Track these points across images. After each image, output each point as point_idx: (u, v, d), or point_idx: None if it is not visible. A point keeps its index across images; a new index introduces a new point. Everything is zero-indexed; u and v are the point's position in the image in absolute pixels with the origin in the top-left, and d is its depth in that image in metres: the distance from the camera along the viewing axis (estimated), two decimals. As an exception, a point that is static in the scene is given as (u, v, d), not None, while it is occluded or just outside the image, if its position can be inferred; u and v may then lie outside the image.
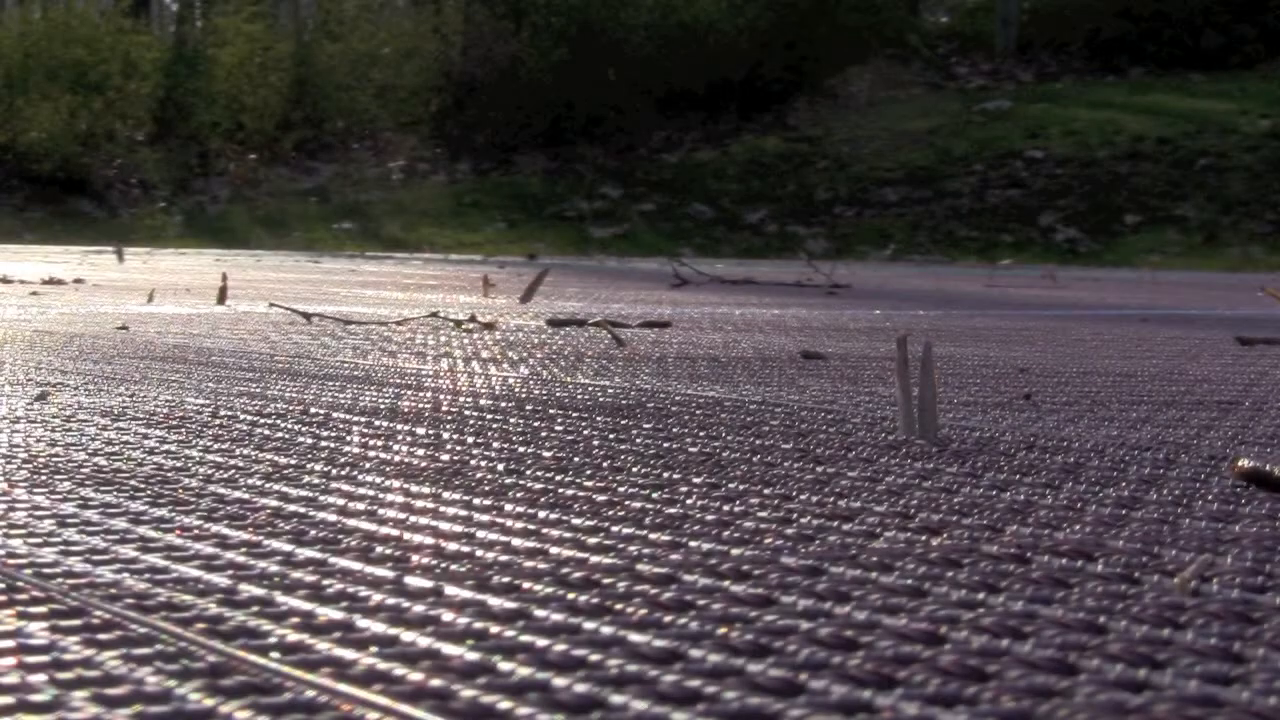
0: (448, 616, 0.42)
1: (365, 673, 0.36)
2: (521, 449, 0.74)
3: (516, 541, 0.52)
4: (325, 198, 8.99)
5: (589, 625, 0.41)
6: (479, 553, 0.50)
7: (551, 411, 0.90)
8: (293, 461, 0.69)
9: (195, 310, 1.93)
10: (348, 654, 0.38)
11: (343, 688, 0.35)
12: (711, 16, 8.83)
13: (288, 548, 0.51)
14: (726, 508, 0.59)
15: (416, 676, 0.36)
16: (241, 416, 0.85)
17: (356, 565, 0.48)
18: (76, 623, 0.41)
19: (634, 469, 0.68)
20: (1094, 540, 0.53)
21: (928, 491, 0.63)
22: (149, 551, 0.50)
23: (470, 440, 0.77)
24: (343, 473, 0.66)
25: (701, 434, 0.80)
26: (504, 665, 0.37)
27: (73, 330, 1.52)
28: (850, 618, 0.42)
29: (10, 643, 0.38)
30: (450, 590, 0.45)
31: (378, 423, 0.84)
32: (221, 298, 2.09)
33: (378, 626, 0.41)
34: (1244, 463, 0.66)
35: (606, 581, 0.46)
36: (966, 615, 0.42)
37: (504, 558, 0.49)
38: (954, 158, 7.95)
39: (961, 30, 10.43)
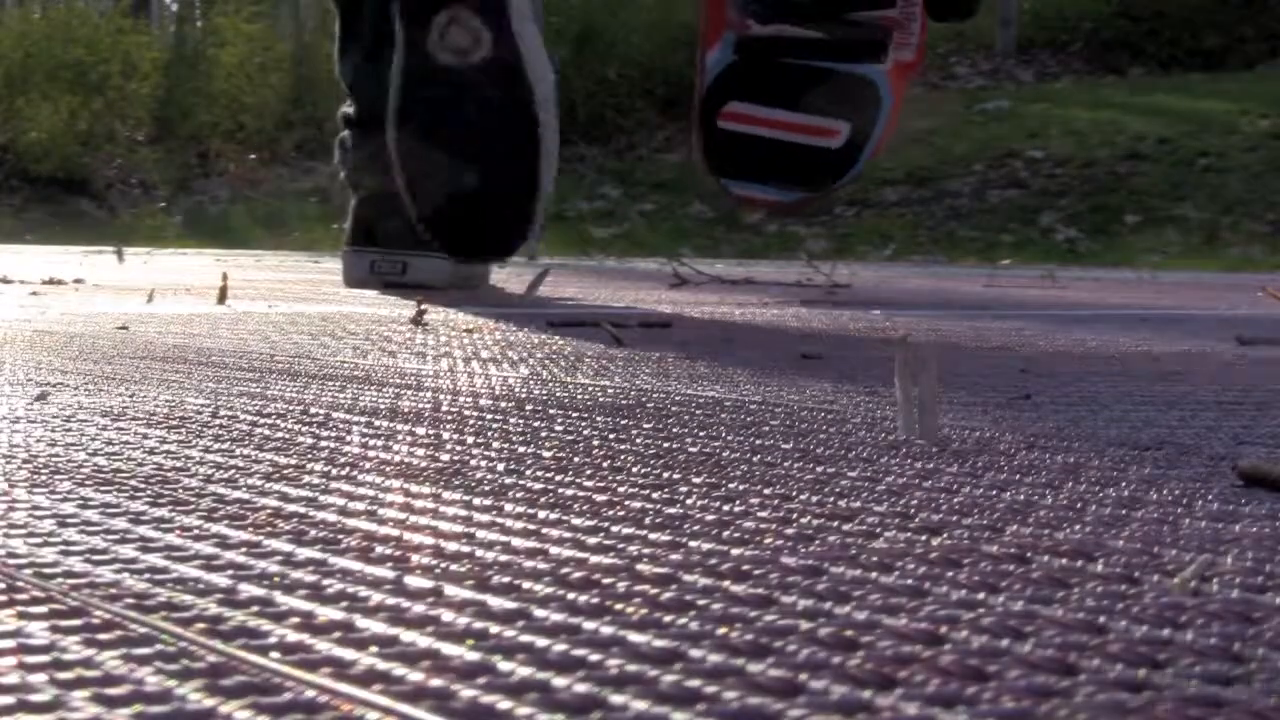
0: (448, 616, 0.42)
1: (365, 673, 0.36)
2: (521, 449, 0.74)
3: (516, 541, 0.52)
4: (325, 198, 8.99)
5: (589, 625, 0.41)
6: (479, 553, 0.50)
7: (551, 411, 0.90)
8: (293, 461, 0.69)
9: (195, 310, 1.93)
10: (348, 654, 0.38)
11: (343, 688, 0.35)
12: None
13: (288, 548, 0.51)
14: (726, 508, 0.59)
15: (416, 676, 0.36)
16: (241, 416, 0.85)
17: (356, 565, 0.48)
18: (76, 623, 0.41)
19: (634, 469, 0.68)
20: (1094, 540, 0.53)
21: (928, 491, 0.63)
22: (149, 551, 0.50)
23: (470, 440, 0.77)
24: (343, 473, 0.66)
25: (701, 434, 0.80)
26: (504, 665, 0.37)
27: (73, 330, 1.52)
28: (850, 618, 0.42)
29: (10, 643, 0.38)
30: (450, 590, 0.45)
31: (378, 423, 0.84)
32: (221, 298, 2.09)
33: (378, 626, 0.41)
34: (1245, 462, 0.66)
35: (606, 581, 0.46)
36: (966, 615, 0.42)
37: (504, 558, 0.49)
38: (954, 158, 7.94)
39: (961, 30, 10.42)
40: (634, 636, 0.40)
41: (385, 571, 0.47)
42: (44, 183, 9.06)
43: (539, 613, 0.42)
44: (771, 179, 2.06)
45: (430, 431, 0.80)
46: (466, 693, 0.35)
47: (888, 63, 2.02)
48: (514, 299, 2.32)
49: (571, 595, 0.44)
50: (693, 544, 0.52)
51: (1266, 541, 0.53)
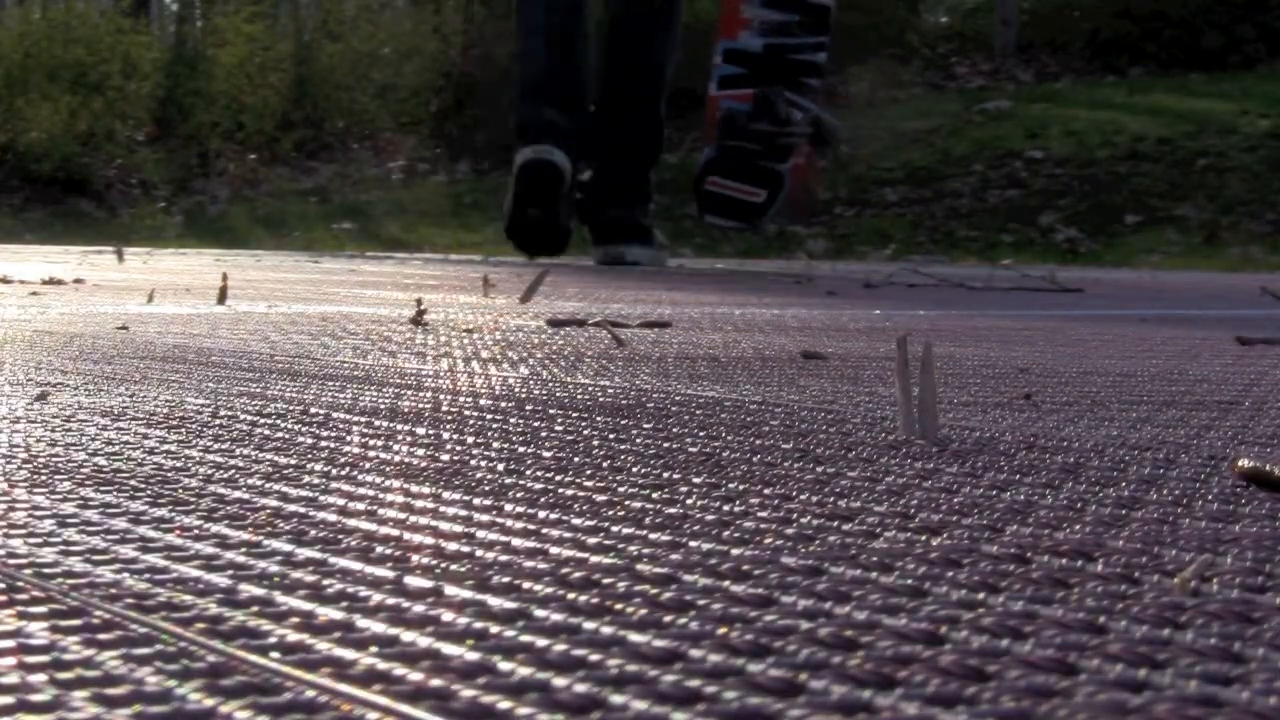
0: (448, 616, 0.42)
1: (365, 673, 0.36)
2: (521, 449, 0.74)
3: (516, 541, 0.52)
4: (325, 198, 8.99)
5: (589, 625, 0.41)
6: (479, 553, 0.50)
7: (551, 411, 0.90)
8: (293, 461, 0.69)
9: (195, 310, 1.93)
10: (348, 654, 0.38)
11: (343, 688, 0.35)
12: (712, 16, 8.82)
13: (288, 548, 0.51)
14: (726, 508, 0.59)
15: (416, 676, 0.36)
16: (241, 416, 0.86)
17: (356, 565, 0.48)
18: (76, 623, 0.41)
19: (634, 469, 0.68)
20: (1094, 540, 0.53)
21: (928, 491, 0.63)
22: (149, 551, 0.50)
23: (470, 440, 0.77)
24: (343, 473, 0.66)
25: (701, 434, 0.80)
26: (504, 665, 0.37)
27: (73, 330, 1.52)
28: (850, 618, 0.42)
29: (10, 643, 0.39)
30: (450, 590, 0.45)
31: (378, 423, 0.84)
32: (221, 298, 2.09)
33: (378, 626, 0.41)
34: (1244, 462, 0.66)
35: (606, 581, 0.46)
36: (966, 615, 0.42)
37: (504, 558, 0.49)
38: (954, 158, 7.94)
39: (961, 30, 10.42)
40: (634, 636, 0.40)
41: (385, 571, 0.47)
42: (44, 183, 9.06)
43: (539, 613, 0.42)
44: (728, 216, 4.48)
45: (430, 431, 0.80)
46: (466, 693, 0.35)
47: (789, 163, 4.41)
48: (514, 300, 2.32)
49: (571, 595, 0.44)
50: (693, 544, 0.52)
51: (1266, 541, 0.53)
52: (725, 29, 4.48)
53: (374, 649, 0.38)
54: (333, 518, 0.56)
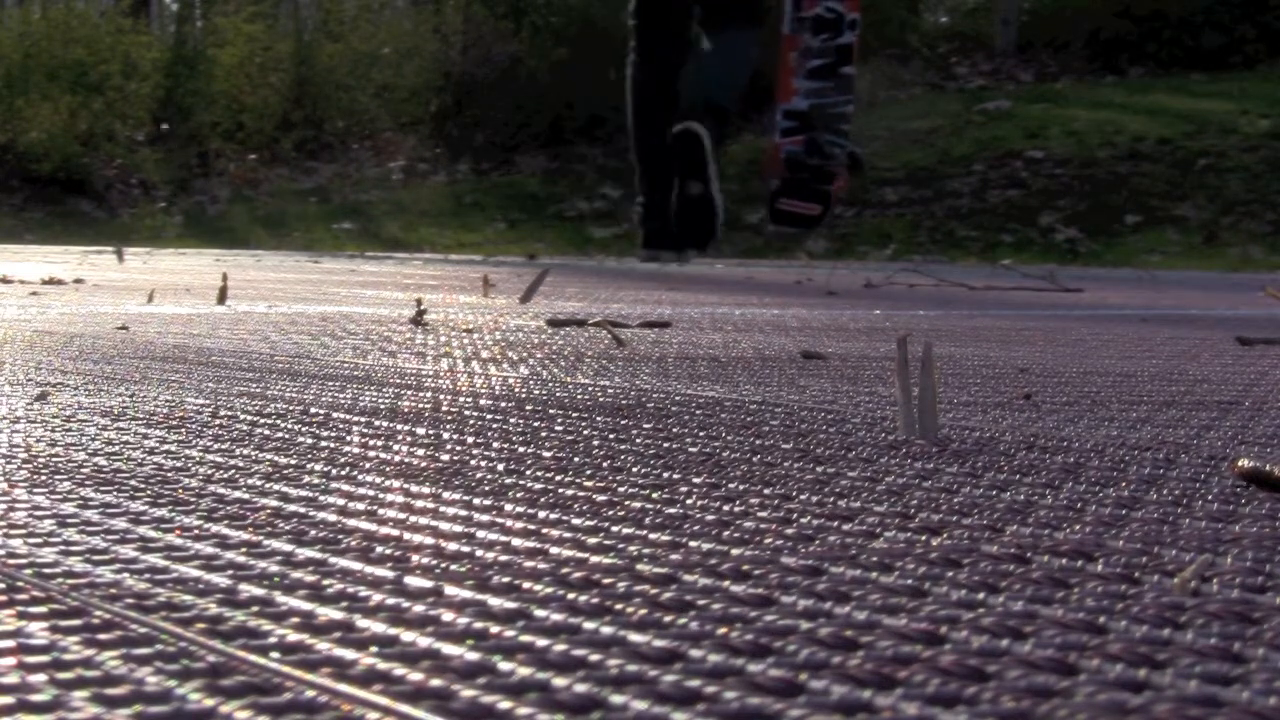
0: (447, 616, 0.42)
1: (365, 673, 0.36)
2: (521, 449, 0.74)
3: (516, 541, 0.52)
4: (325, 198, 8.99)
5: (589, 625, 0.41)
6: (479, 553, 0.50)
7: (551, 411, 0.90)
8: (293, 461, 0.69)
9: (195, 310, 1.93)
10: (348, 654, 0.38)
11: (343, 688, 0.35)
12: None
13: (288, 548, 0.51)
14: (726, 508, 0.59)
15: (416, 676, 0.36)
16: (241, 416, 0.86)
17: (356, 565, 0.48)
18: (76, 623, 0.41)
19: (634, 469, 0.68)
20: (1094, 540, 0.53)
21: (928, 491, 0.63)
22: (149, 551, 0.50)
23: (470, 440, 0.77)
24: (343, 473, 0.66)
25: (701, 434, 0.80)
26: (504, 665, 0.37)
27: (73, 330, 1.52)
28: (850, 618, 0.42)
29: (10, 643, 0.39)
30: (450, 590, 0.45)
31: (378, 423, 0.84)
32: (221, 298, 2.09)
33: (378, 626, 0.41)
34: (1244, 462, 0.66)
35: (606, 581, 0.46)
36: (966, 615, 0.42)
37: (504, 558, 0.49)
38: (954, 158, 7.94)
39: (961, 30, 10.42)
40: (634, 636, 0.40)
41: (385, 571, 0.47)
42: (44, 183, 9.05)
43: (539, 613, 0.42)
44: (794, 225, 5.91)
45: (430, 431, 0.80)
46: (466, 693, 0.35)
47: (833, 185, 5.89)
48: (514, 300, 2.32)
49: (571, 595, 0.44)
50: (693, 544, 0.52)
51: (1266, 541, 0.53)
52: (782, 96, 6.17)
53: (374, 649, 0.38)
54: (333, 518, 0.56)
